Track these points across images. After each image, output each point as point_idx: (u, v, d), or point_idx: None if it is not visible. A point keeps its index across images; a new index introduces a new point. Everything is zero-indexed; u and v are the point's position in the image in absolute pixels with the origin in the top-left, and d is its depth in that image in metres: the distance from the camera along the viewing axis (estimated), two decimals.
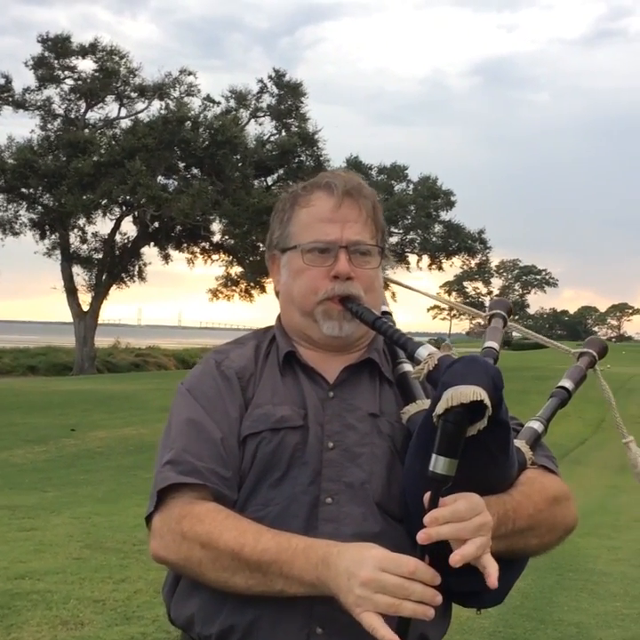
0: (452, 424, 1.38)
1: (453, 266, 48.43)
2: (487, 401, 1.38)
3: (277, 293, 1.92)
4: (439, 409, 1.39)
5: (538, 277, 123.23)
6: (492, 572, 1.42)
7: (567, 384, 1.88)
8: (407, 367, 1.83)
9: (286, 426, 1.70)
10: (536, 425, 1.78)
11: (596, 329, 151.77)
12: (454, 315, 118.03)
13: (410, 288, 2.19)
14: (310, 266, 1.79)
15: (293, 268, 1.83)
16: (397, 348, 1.83)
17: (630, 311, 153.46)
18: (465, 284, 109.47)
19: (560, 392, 1.87)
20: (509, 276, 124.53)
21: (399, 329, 1.77)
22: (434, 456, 1.39)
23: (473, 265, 51.62)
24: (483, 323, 2.05)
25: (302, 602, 1.53)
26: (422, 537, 1.40)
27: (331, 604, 1.47)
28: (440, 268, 44.78)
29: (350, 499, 1.65)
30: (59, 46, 32.75)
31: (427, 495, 1.43)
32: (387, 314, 1.88)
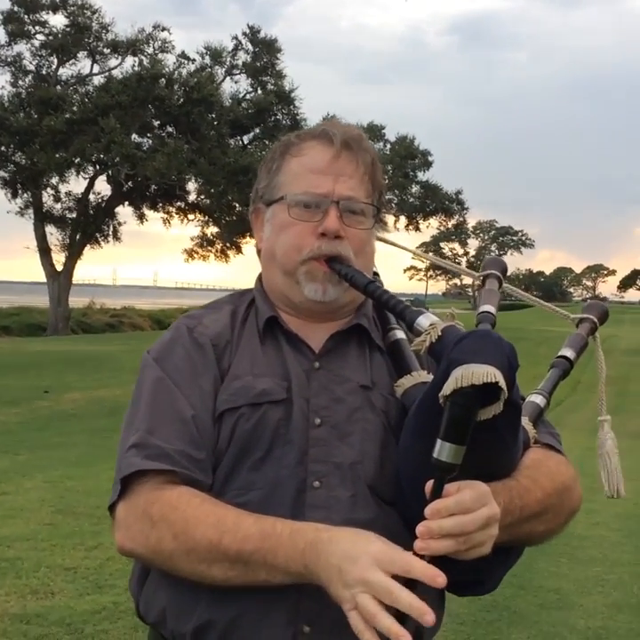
0: (461, 407, 1.23)
1: (430, 227, 48.33)
2: (502, 383, 1.23)
3: (259, 251, 1.75)
4: (447, 389, 1.23)
5: (514, 238, 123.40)
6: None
7: (568, 353, 1.73)
8: (399, 334, 1.68)
9: (267, 400, 1.54)
10: (538, 399, 1.65)
11: (571, 290, 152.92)
12: (431, 276, 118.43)
13: (403, 248, 2.02)
14: (296, 220, 1.63)
15: (277, 223, 1.66)
16: (391, 314, 1.68)
17: (605, 272, 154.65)
18: (441, 244, 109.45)
19: (561, 362, 1.72)
20: (486, 237, 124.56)
21: (394, 295, 1.60)
22: (439, 441, 1.24)
23: (450, 226, 51.65)
24: (476, 283, 1.89)
25: (288, 596, 1.40)
26: (422, 530, 1.26)
27: (319, 600, 1.34)
28: (417, 229, 44.68)
29: (340, 482, 1.51)
30: (28, 1, 31.96)
31: (428, 484, 1.29)
32: (376, 275, 1.73)
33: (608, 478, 1.81)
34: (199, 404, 1.54)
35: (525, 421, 1.56)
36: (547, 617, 4.78)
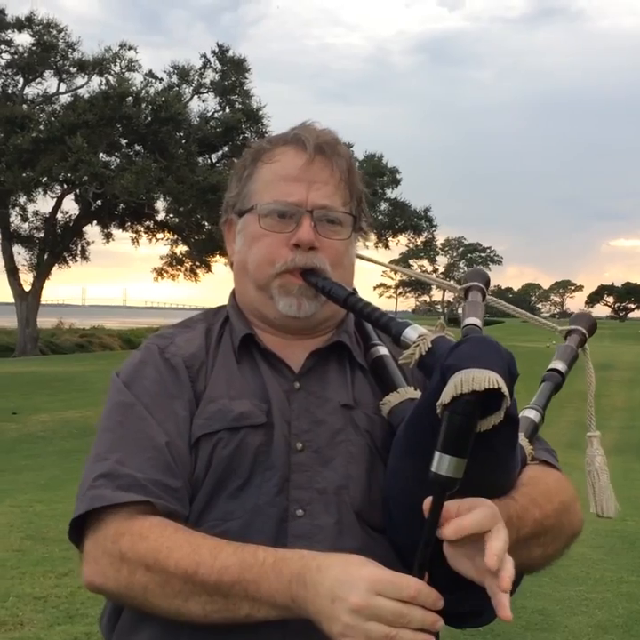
0: (461, 416, 1.13)
1: (399, 244, 48.35)
2: (505, 390, 1.14)
3: (232, 265, 1.65)
4: (445, 397, 1.14)
5: (483, 255, 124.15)
6: (504, 601, 1.16)
7: (560, 366, 1.63)
8: (382, 350, 1.59)
9: (247, 424, 1.44)
10: (532, 414, 1.55)
11: (539, 306, 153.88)
12: (400, 292, 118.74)
13: (384, 265, 1.94)
14: (268, 231, 1.53)
15: (249, 234, 1.57)
16: (374, 328, 1.59)
17: (573, 288, 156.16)
18: (411, 262, 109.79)
19: (553, 375, 1.62)
20: (454, 254, 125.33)
21: (377, 307, 1.50)
22: (437, 454, 1.15)
23: (419, 243, 51.70)
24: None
25: (274, 632, 1.29)
26: (449, 535, 1.16)
27: (307, 637, 1.23)
28: (386, 247, 44.68)
29: (324, 509, 1.41)
30: None
31: (426, 501, 1.18)
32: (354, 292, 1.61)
33: (596, 497, 1.71)
34: (173, 430, 1.43)
35: (521, 437, 1.47)
36: (531, 639, 4.68)
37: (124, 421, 1.44)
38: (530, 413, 1.55)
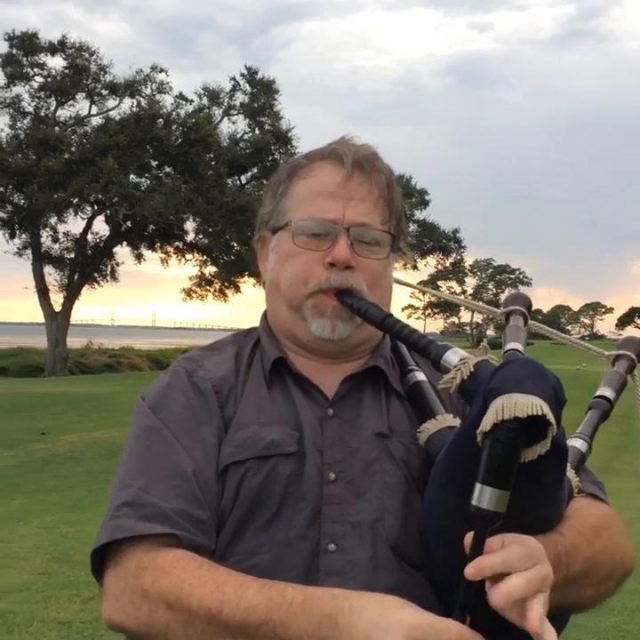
0: (503, 444, 1.06)
1: (428, 265, 48.34)
2: (551, 417, 1.06)
3: (264, 284, 1.58)
4: (486, 424, 1.07)
5: (511, 276, 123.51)
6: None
7: (608, 393, 1.56)
8: (419, 376, 1.51)
9: (277, 452, 1.37)
10: (578, 443, 1.47)
11: (569, 327, 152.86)
12: (429, 314, 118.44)
13: (422, 289, 1.88)
14: (302, 249, 1.47)
15: (282, 252, 1.50)
16: (410, 353, 1.52)
17: (603, 310, 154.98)
18: (439, 283, 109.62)
19: (601, 403, 1.54)
20: (483, 276, 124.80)
21: (416, 329, 1.42)
22: (478, 486, 1.07)
23: (447, 264, 51.64)
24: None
25: None
26: (471, 573, 1.08)
27: None
28: (415, 268, 44.57)
29: (358, 543, 1.32)
30: (26, 43, 32.08)
31: (468, 537, 1.10)
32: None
33: None
34: (201, 458, 1.37)
35: (567, 468, 1.37)
36: None
37: (150, 447, 1.38)
38: (576, 443, 1.47)
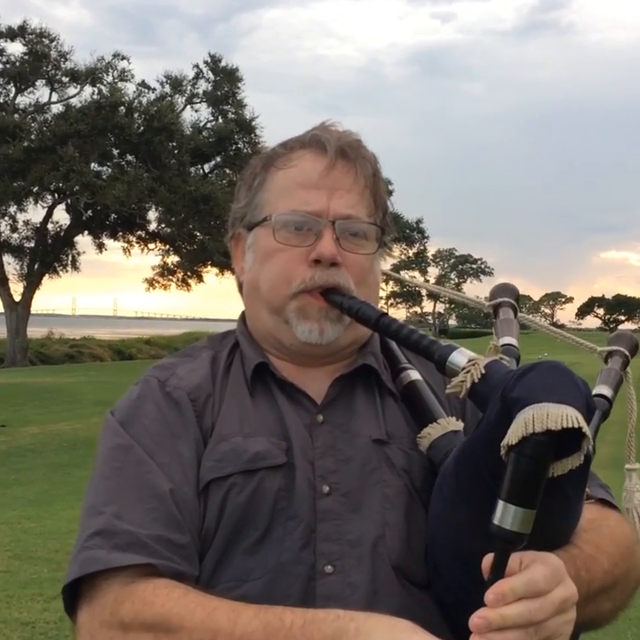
0: (532, 459, 0.96)
1: (391, 255, 48.47)
2: (586, 429, 0.97)
3: (240, 286, 1.47)
4: (512, 437, 0.97)
5: (473, 266, 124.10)
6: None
7: (605, 391, 1.47)
8: (414, 375, 1.41)
9: (264, 466, 1.26)
10: None
11: (529, 317, 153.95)
12: (391, 304, 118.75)
13: (408, 282, 1.79)
14: (283, 245, 1.35)
15: (261, 249, 1.39)
16: (410, 351, 1.39)
17: (563, 300, 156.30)
18: (402, 273, 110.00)
19: (600, 402, 1.44)
20: (446, 265, 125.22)
21: (415, 329, 1.31)
22: (501, 504, 0.98)
23: (411, 254, 51.76)
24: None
25: None
26: (479, 623, 0.97)
27: None
28: None
29: (357, 564, 1.22)
30: None
31: (487, 559, 1.01)
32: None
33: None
34: (178, 475, 1.26)
35: None
36: None
37: (121, 467, 1.27)
38: None
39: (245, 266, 1.45)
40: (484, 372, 1.17)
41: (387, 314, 1.34)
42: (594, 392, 1.47)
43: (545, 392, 0.99)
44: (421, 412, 1.37)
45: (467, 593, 1.03)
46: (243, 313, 1.49)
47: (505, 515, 0.98)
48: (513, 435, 0.97)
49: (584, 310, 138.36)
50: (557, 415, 0.96)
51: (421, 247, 48.54)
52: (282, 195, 1.39)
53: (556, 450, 0.98)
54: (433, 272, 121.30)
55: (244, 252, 1.46)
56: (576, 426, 0.96)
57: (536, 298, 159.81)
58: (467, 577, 1.05)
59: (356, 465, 1.30)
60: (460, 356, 1.22)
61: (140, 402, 1.35)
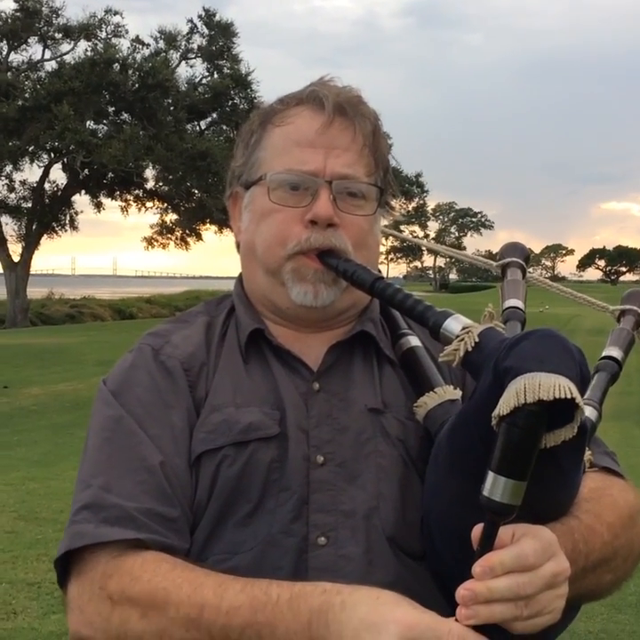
0: (523, 430, 0.94)
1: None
2: (579, 399, 0.94)
3: (238, 246, 1.43)
4: (504, 407, 0.94)
5: (474, 220, 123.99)
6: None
7: (615, 353, 1.42)
8: (414, 340, 1.38)
9: (256, 437, 1.24)
10: (588, 411, 1.28)
11: (530, 270, 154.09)
12: (391, 259, 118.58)
13: (409, 239, 1.75)
14: (279, 206, 1.32)
15: (257, 209, 1.35)
16: (406, 317, 1.36)
17: (564, 252, 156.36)
18: (401, 227, 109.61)
19: (608, 364, 1.40)
20: (446, 219, 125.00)
21: (410, 294, 1.27)
22: (491, 475, 0.95)
23: (410, 209, 51.54)
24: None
25: None
26: (465, 595, 0.96)
27: None
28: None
29: (351, 535, 1.21)
30: None
31: (476, 531, 0.99)
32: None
33: None
34: (170, 447, 1.24)
35: None
36: None
37: (111, 438, 1.25)
38: (585, 411, 1.34)
39: (242, 226, 1.42)
40: (477, 340, 1.14)
41: (382, 278, 1.31)
42: (603, 354, 1.43)
43: (538, 361, 0.96)
44: (419, 380, 1.34)
45: (460, 564, 1.01)
46: (240, 274, 1.46)
47: (495, 486, 0.95)
48: (504, 405, 0.94)
49: (585, 262, 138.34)
50: (549, 385, 0.93)
51: (421, 201, 48.09)
52: (278, 153, 1.35)
53: (548, 420, 0.95)
54: (433, 226, 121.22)
55: (241, 212, 1.42)
56: (568, 396, 0.93)
57: (537, 251, 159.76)
58: (460, 548, 1.03)
59: (351, 434, 1.28)
60: (455, 322, 1.19)
61: (132, 371, 1.33)
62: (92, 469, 1.23)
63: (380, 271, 1.39)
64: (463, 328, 1.17)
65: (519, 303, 1.42)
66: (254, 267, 1.39)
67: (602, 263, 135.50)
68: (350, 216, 1.33)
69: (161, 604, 1.08)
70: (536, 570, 0.99)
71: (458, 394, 1.31)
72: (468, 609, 0.96)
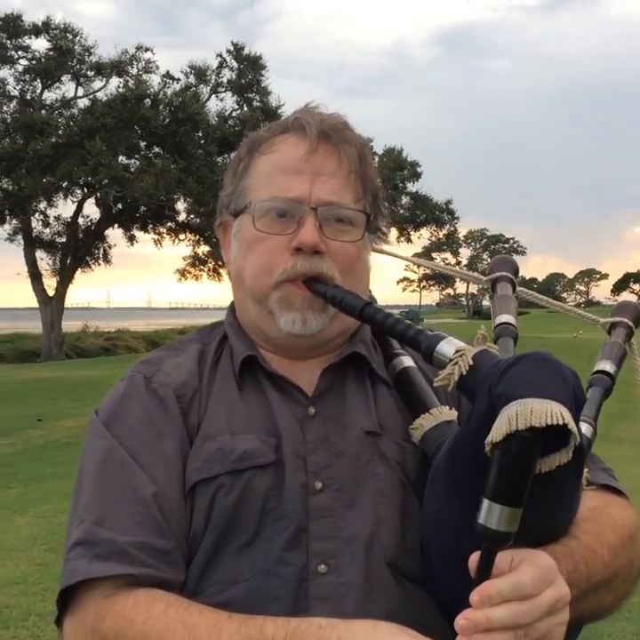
0: (516, 457, 0.93)
1: (421, 237, 48.08)
2: (572, 425, 0.93)
3: (230, 275, 1.44)
4: (496, 434, 0.93)
5: (506, 246, 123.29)
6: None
7: (608, 367, 1.39)
8: (407, 361, 1.37)
9: (252, 465, 1.23)
10: (584, 428, 1.26)
11: (564, 295, 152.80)
12: (424, 286, 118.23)
13: (405, 259, 1.74)
14: (265, 234, 1.31)
15: (244, 238, 1.36)
16: (396, 340, 1.35)
17: (597, 276, 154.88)
18: (433, 255, 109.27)
19: (601, 379, 1.37)
20: (477, 246, 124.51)
21: (401, 318, 1.26)
22: (486, 503, 0.95)
23: (441, 236, 51.40)
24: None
25: None
26: (463, 625, 0.95)
27: None
28: (409, 241, 44.38)
29: (351, 562, 1.18)
30: (10, 26, 31.65)
31: (473, 558, 0.99)
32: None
33: None
34: (163, 477, 1.22)
35: None
36: None
37: (103, 470, 1.24)
38: (582, 427, 1.28)
39: (231, 255, 1.42)
40: (471, 363, 1.13)
41: (372, 303, 1.30)
42: (595, 368, 1.41)
43: (529, 387, 0.96)
44: (414, 401, 1.33)
45: (461, 589, 1.00)
46: (231, 304, 1.46)
47: (490, 514, 0.95)
48: (497, 432, 0.94)
49: (619, 286, 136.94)
50: (541, 411, 0.92)
51: (451, 228, 47.90)
52: (263, 181, 1.35)
53: (543, 445, 0.95)
54: (465, 253, 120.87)
55: (231, 241, 1.43)
56: (561, 422, 0.92)
57: (570, 275, 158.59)
58: (460, 573, 1.02)
59: (349, 458, 1.26)
60: (448, 345, 1.17)
61: (124, 400, 1.32)
62: (84, 504, 1.22)
63: (371, 297, 1.39)
64: (456, 351, 1.16)
65: (511, 319, 1.40)
66: (243, 296, 1.39)
67: (637, 287, 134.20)
68: (337, 242, 1.32)
69: None
70: (535, 598, 0.99)
71: (454, 414, 1.29)
72: (468, 639, 0.96)
